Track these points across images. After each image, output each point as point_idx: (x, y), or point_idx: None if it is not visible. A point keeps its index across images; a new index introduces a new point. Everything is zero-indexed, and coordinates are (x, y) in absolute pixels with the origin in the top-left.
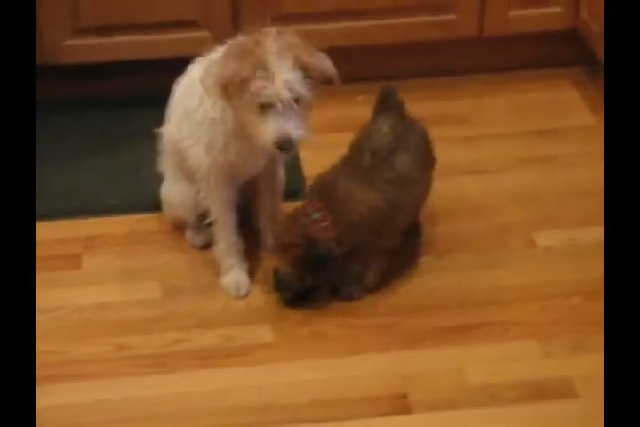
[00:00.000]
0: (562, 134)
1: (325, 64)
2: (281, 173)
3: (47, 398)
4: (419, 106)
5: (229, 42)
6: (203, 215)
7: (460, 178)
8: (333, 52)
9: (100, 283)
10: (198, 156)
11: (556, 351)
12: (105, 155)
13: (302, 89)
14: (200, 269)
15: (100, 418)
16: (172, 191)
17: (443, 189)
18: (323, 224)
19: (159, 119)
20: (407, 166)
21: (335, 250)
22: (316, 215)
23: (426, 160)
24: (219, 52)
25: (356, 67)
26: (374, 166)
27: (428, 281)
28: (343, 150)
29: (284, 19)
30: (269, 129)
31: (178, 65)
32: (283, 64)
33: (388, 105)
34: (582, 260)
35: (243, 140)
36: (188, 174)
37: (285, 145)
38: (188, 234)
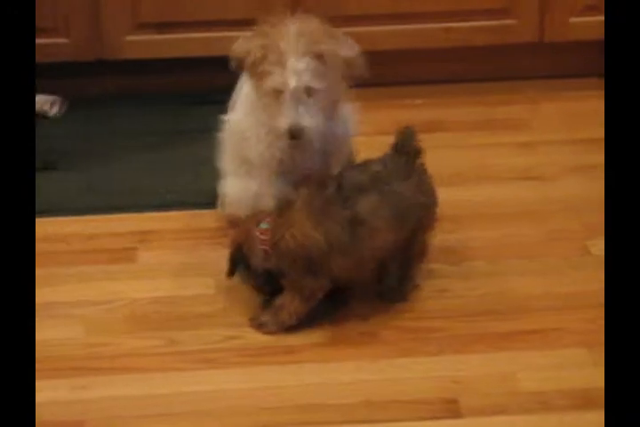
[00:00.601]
0: None
1: (347, 52)
2: (336, 170)
3: (96, 390)
4: (475, 111)
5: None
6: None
7: (515, 183)
8: (393, 55)
9: (154, 277)
10: (252, 148)
11: None
12: (162, 150)
13: (314, 78)
14: None
15: (148, 412)
16: (232, 188)
17: (498, 193)
18: (262, 236)
19: (217, 116)
20: (369, 210)
21: (256, 264)
22: (263, 226)
23: (406, 215)
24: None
25: (414, 70)
26: (334, 200)
27: (481, 286)
28: None
29: (343, 20)
30: (281, 116)
31: None
32: (295, 50)
33: (402, 148)
34: None
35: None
36: (249, 168)
37: (295, 133)
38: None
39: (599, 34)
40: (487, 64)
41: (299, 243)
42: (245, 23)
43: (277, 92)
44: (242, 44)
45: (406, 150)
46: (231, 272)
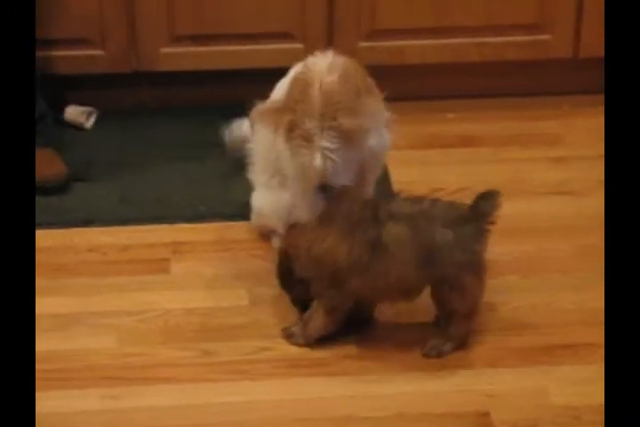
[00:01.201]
0: None
1: (374, 110)
2: (370, 187)
3: (128, 400)
4: (508, 125)
5: (297, 70)
6: None
7: (549, 198)
8: (425, 69)
9: (188, 288)
10: (287, 160)
11: None
12: (195, 162)
13: (336, 155)
14: None
15: (181, 423)
16: (264, 200)
17: (531, 208)
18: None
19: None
20: (394, 238)
21: (298, 274)
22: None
23: (432, 259)
24: (316, 58)
25: (448, 84)
26: (366, 219)
27: (514, 300)
28: (432, 167)
29: (377, 33)
30: (314, 154)
31: (271, 76)
32: (322, 128)
33: (475, 207)
34: None
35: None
36: (282, 179)
37: (325, 189)
38: (276, 241)
39: None
40: (520, 79)
41: (325, 253)
42: (281, 36)
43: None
44: (270, 115)
45: (479, 210)
46: (282, 283)
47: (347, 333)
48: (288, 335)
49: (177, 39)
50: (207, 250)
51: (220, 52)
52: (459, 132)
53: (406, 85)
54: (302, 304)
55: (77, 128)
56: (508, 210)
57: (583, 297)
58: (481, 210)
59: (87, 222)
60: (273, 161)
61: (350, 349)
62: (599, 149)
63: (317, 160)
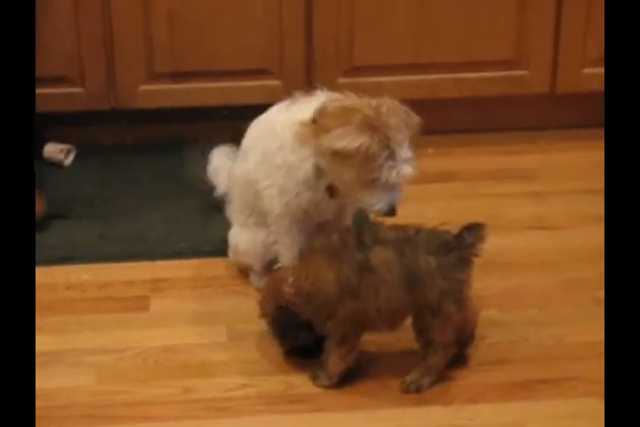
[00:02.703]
0: None
1: (417, 119)
2: (349, 218)
3: None
4: (486, 160)
5: (334, 100)
6: (269, 262)
7: (526, 233)
8: (404, 104)
9: (167, 325)
10: (272, 198)
11: None
12: (175, 199)
13: (416, 164)
14: None
15: None
16: (241, 237)
17: (509, 243)
18: (290, 290)
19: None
20: (381, 261)
21: (298, 315)
22: (290, 279)
23: (416, 284)
24: (313, 101)
25: (427, 119)
26: (351, 244)
27: (493, 335)
28: (411, 203)
29: (356, 70)
30: (378, 200)
31: (249, 113)
32: (403, 142)
33: (459, 237)
34: None
35: (315, 190)
36: (259, 218)
37: (392, 212)
38: (254, 278)
39: None
40: (498, 115)
41: (313, 282)
42: (259, 73)
43: (376, 180)
44: (354, 138)
45: (462, 240)
46: (283, 337)
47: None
48: (313, 378)
49: (155, 76)
50: (186, 287)
51: (199, 89)
52: (437, 168)
53: None
54: (304, 351)
55: (56, 165)
56: (486, 245)
57: (562, 332)
58: (465, 240)
59: (66, 259)
60: (250, 200)
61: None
62: (576, 183)
63: (407, 169)
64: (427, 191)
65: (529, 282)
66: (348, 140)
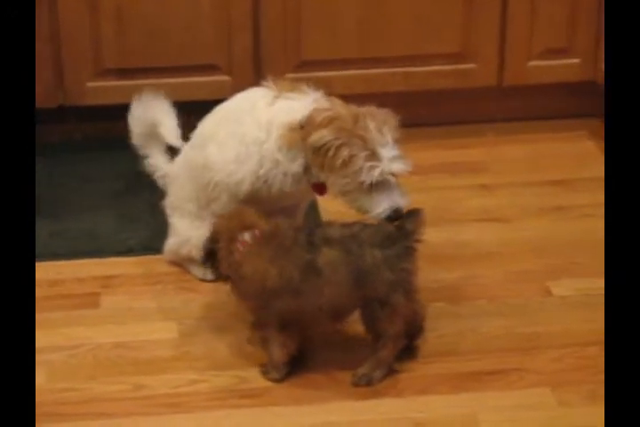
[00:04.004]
0: (578, 185)
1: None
2: (302, 214)
3: None
4: (435, 154)
5: (320, 110)
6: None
7: (476, 225)
8: (353, 99)
9: (118, 322)
10: (242, 179)
11: (571, 401)
12: (125, 195)
13: (408, 161)
14: (215, 311)
15: None
16: (196, 231)
17: (458, 235)
18: (240, 246)
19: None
20: (328, 262)
21: (221, 266)
22: (246, 237)
23: (363, 280)
24: (300, 99)
25: None
26: (300, 243)
27: (442, 327)
28: None
29: (304, 65)
30: (380, 204)
31: (198, 108)
32: (385, 142)
33: (401, 225)
34: (598, 309)
35: (299, 184)
36: (204, 203)
37: (397, 216)
38: (197, 270)
39: (557, 77)
40: (446, 108)
41: (254, 273)
42: (207, 69)
43: (373, 184)
44: (323, 141)
45: (404, 229)
46: (207, 259)
47: None
48: (264, 372)
49: (103, 73)
50: (137, 283)
51: (147, 86)
52: None
53: None
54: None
55: None
56: (435, 237)
57: (510, 323)
58: (406, 229)
59: None
60: (203, 189)
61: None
62: (523, 175)
63: (397, 166)
64: None
65: (478, 274)
66: (322, 137)
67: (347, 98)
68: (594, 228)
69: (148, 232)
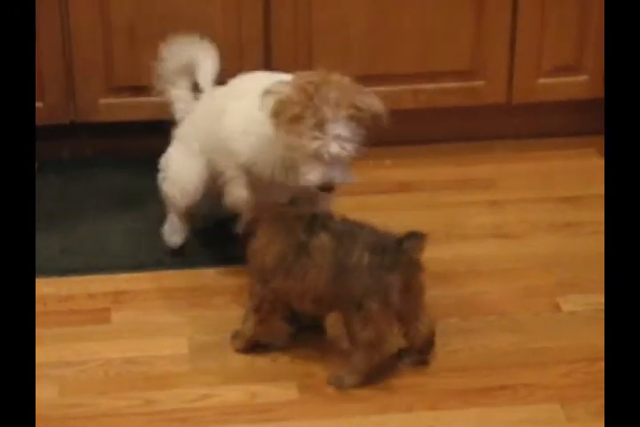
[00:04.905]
0: (587, 201)
1: (377, 105)
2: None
3: None
4: (444, 171)
5: (298, 74)
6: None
7: (485, 241)
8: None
9: (129, 337)
10: (244, 147)
11: (579, 416)
12: (135, 211)
13: (352, 144)
14: (226, 326)
15: None
16: (179, 164)
17: (468, 251)
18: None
19: None
20: (319, 246)
21: None
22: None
23: (344, 276)
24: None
25: (384, 131)
26: (301, 224)
27: (453, 342)
28: (370, 213)
29: None
30: (314, 173)
31: None
32: (338, 117)
33: (399, 242)
34: None
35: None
36: (207, 149)
37: (327, 188)
38: (167, 229)
39: (565, 94)
40: (455, 125)
41: (257, 250)
42: (218, 85)
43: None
44: (280, 97)
45: (401, 245)
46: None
47: (286, 379)
48: (232, 338)
49: (115, 90)
50: (147, 298)
51: (159, 102)
52: (396, 178)
53: None
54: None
55: None
56: (445, 253)
57: (520, 338)
58: (403, 246)
59: None
60: (214, 132)
61: (293, 394)
62: (533, 193)
63: (334, 147)
64: (386, 201)
65: (488, 289)
66: (277, 92)
67: None
68: (602, 244)
69: (158, 248)
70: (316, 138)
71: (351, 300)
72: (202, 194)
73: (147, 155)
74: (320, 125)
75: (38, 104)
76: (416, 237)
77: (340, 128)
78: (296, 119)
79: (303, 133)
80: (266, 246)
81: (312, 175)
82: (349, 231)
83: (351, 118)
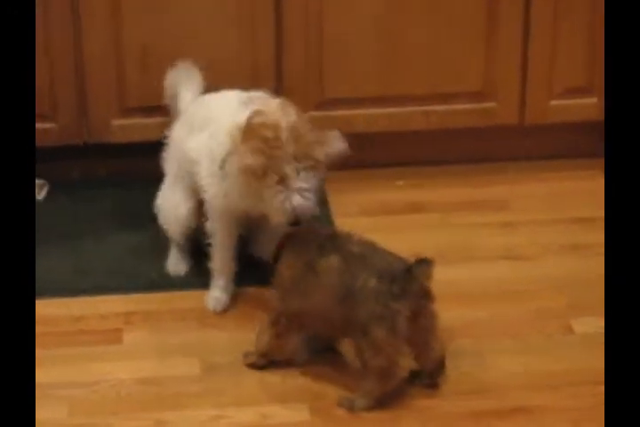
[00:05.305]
0: (599, 223)
1: (339, 147)
2: None
3: None
4: (456, 192)
5: (252, 117)
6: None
7: (498, 263)
8: (374, 137)
9: (140, 358)
10: (215, 195)
11: None
12: (146, 231)
13: (314, 192)
14: (237, 347)
15: None
16: (166, 199)
17: (480, 273)
18: None
19: None
20: (327, 267)
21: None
22: None
23: (349, 299)
24: (258, 98)
25: (396, 152)
26: (314, 244)
27: (465, 364)
28: (382, 234)
29: (325, 104)
30: (282, 209)
31: None
32: (298, 171)
33: (409, 269)
34: None
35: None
36: (190, 185)
37: (296, 222)
38: (171, 260)
39: (577, 116)
40: (467, 146)
41: (279, 267)
42: None
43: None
44: (243, 160)
45: (410, 273)
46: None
47: (297, 400)
48: (244, 356)
49: (127, 111)
50: (159, 319)
51: (170, 124)
52: (408, 199)
53: (355, 154)
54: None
55: None
56: (457, 275)
57: (532, 360)
58: (413, 273)
59: (39, 294)
60: (183, 174)
61: (300, 416)
62: (545, 213)
63: (297, 200)
64: (398, 223)
65: (500, 311)
66: (240, 159)
67: (368, 135)
68: None
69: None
70: (279, 191)
71: (357, 324)
72: (194, 222)
73: (159, 176)
74: (282, 181)
75: (51, 125)
76: (425, 264)
77: (301, 181)
78: (261, 176)
79: (268, 187)
80: (285, 265)
81: (280, 212)
82: (361, 255)
83: (310, 169)
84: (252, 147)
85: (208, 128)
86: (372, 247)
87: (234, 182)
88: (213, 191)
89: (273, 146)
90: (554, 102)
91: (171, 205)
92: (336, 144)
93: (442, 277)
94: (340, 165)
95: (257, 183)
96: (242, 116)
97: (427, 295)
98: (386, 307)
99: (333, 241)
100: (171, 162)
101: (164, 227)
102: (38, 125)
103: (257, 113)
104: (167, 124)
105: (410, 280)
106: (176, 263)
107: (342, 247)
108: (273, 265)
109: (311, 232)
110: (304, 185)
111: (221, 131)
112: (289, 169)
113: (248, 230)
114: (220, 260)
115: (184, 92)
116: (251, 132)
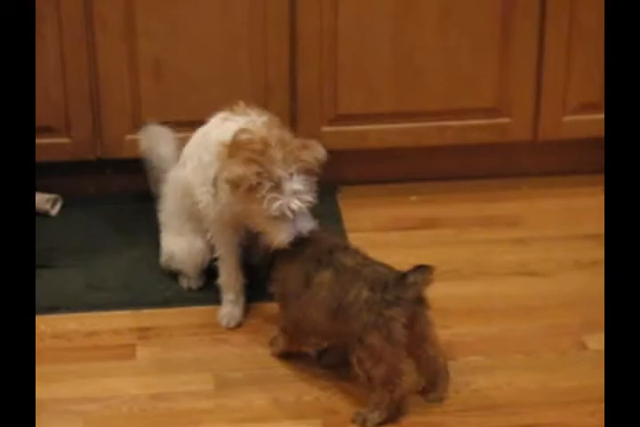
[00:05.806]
0: None
1: (320, 154)
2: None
3: None
4: (470, 207)
5: (238, 135)
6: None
7: (510, 279)
8: (388, 153)
9: (154, 374)
10: (208, 204)
11: None
12: (160, 247)
13: (310, 194)
14: (251, 363)
15: None
16: (177, 246)
17: (493, 289)
18: None
19: None
20: (319, 280)
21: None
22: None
23: (342, 312)
24: (242, 120)
25: (410, 167)
26: (311, 254)
27: (477, 380)
28: (395, 249)
29: (340, 118)
30: (283, 233)
31: None
32: (291, 173)
33: (404, 276)
34: None
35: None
36: (196, 224)
37: (298, 242)
38: (183, 281)
39: (592, 132)
40: (481, 162)
41: (282, 278)
42: None
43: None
44: (234, 171)
45: (404, 280)
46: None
47: (311, 416)
48: (270, 343)
49: (141, 126)
50: (173, 335)
51: (185, 139)
52: (421, 215)
53: (369, 169)
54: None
55: (43, 215)
56: (470, 291)
57: (546, 377)
58: (407, 281)
59: (52, 309)
60: (187, 206)
61: None
62: (559, 229)
63: (294, 203)
64: (411, 238)
65: (513, 327)
66: (231, 170)
67: (382, 151)
68: None
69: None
70: (275, 199)
71: (353, 337)
72: (210, 253)
73: None
74: (276, 187)
75: (65, 140)
76: (422, 271)
77: (295, 183)
78: (254, 188)
79: (263, 198)
80: (287, 274)
81: (282, 236)
82: (353, 268)
83: (301, 171)
84: (242, 158)
85: (197, 154)
86: (365, 260)
87: (227, 198)
88: (208, 204)
89: (263, 154)
90: (567, 118)
91: (185, 245)
92: (319, 150)
93: (455, 293)
94: (354, 180)
95: (251, 196)
96: (223, 131)
97: (422, 302)
98: (380, 315)
99: (330, 254)
100: (172, 204)
101: (181, 269)
102: (53, 141)
103: (242, 131)
104: (180, 139)
105: (404, 287)
106: (189, 279)
107: (337, 261)
108: (268, 272)
109: (311, 242)
110: (299, 187)
111: (209, 150)
112: (282, 172)
113: (248, 239)
114: (226, 272)
115: (162, 149)
116: (237, 146)
